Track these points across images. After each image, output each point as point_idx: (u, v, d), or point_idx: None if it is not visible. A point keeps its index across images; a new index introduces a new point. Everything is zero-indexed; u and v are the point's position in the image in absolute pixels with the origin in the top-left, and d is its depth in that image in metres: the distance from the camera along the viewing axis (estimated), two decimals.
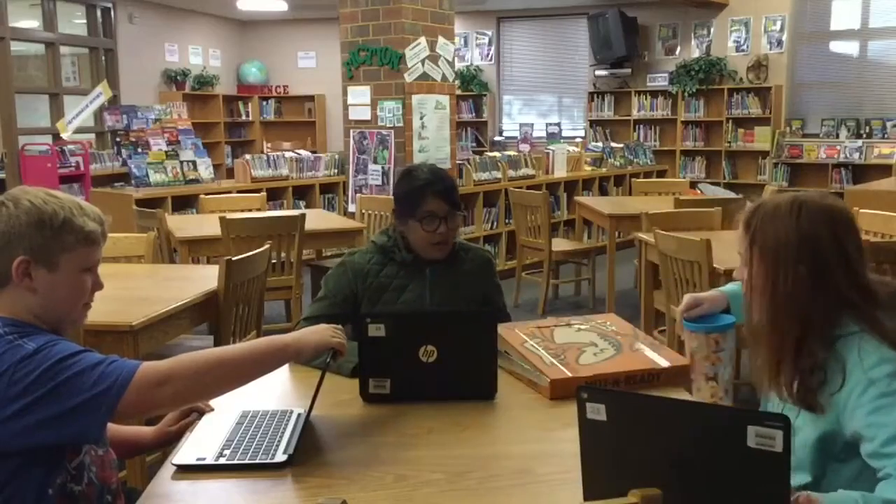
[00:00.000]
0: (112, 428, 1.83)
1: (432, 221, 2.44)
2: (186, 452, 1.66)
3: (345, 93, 6.46)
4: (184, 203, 6.89)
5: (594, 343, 2.14)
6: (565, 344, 2.13)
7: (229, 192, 6.81)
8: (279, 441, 1.67)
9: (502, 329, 2.18)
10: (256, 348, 1.67)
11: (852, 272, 1.63)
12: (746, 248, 1.69)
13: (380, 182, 6.33)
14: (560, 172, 8.22)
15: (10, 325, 1.53)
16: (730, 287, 2.06)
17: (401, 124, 6.18)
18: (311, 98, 12.61)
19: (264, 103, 12.75)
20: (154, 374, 1.52)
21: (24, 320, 1.56)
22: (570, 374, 1.96)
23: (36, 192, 1.60)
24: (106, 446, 1.67)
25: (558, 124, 11.38)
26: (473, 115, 11.95)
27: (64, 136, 7.79)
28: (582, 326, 2.25)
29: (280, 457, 1.61)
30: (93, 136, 10.07)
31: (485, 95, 11.87)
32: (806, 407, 1.61)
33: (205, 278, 3.28)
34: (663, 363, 2.04)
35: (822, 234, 1.62)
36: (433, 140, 6.39)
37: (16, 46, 9.29)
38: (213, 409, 1.86)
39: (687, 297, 2.01)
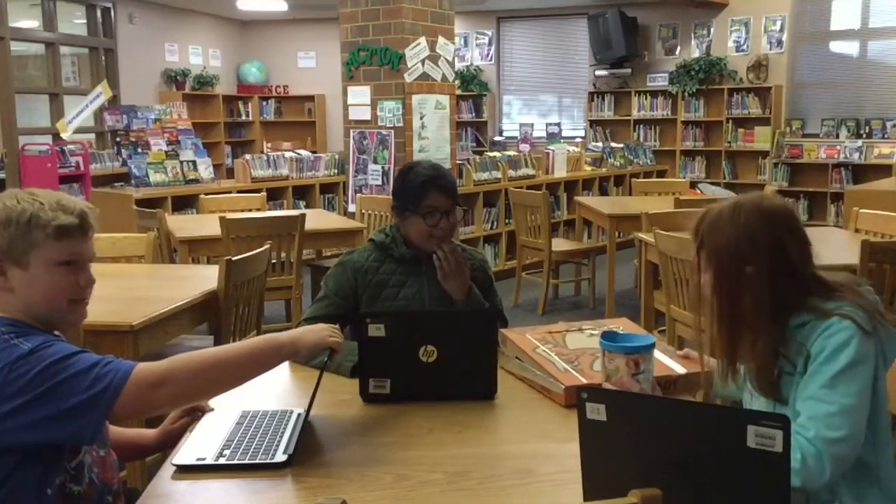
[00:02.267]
0: (115, 431, 1.83)
1: (434, 216, 2.45)
2: (186, 452, 1.66)
3: (345, 93, 6.46)
4: (184, 203, 6.88)
5: None
6: (578, 349, 2.09)
7: (229, 192, 6.81)
8: (279, 441, 1.67)
9: (513, 334, 2.17)
10: (253, 348, 1.67)
11: (799, 264, 1.72)
12: (694, 255, 1.79)
13: (380, 182, 6.32)
14: (560, 172, 8.22)
15: (7, 324, 1.54)
16: None
17: (401, 124, 6.18)
18: (311, 98, 12.61)
19: (264, 103, 12.75)
20: (150, 375, 1.51)
21: (20, 320, 1.56)
22: (585, 381, 1.90)
23: (15, 193, 1.59)
24: (107, 447, 1.67)
25: (558, 124, 11.38)
26: (473, 115, 11.95)
27: (64, 136, 7.78)
28: (594, 331, 2.18)
29: (280, 457, 1.61)
30: (93, 136, 10.06)
31: (485, 95, 11.87)
32: (771, 397, 1.70)
33: (205, 278, 3.28)
34: (680, 370, 1.99)
35: (759, 233, 1.70)
36: (433, 140, 6.38)
37: (16, 46, 9.29)
38: (212, 409, 1.86)
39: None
